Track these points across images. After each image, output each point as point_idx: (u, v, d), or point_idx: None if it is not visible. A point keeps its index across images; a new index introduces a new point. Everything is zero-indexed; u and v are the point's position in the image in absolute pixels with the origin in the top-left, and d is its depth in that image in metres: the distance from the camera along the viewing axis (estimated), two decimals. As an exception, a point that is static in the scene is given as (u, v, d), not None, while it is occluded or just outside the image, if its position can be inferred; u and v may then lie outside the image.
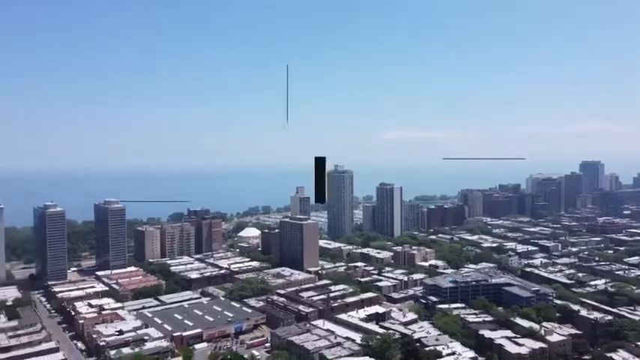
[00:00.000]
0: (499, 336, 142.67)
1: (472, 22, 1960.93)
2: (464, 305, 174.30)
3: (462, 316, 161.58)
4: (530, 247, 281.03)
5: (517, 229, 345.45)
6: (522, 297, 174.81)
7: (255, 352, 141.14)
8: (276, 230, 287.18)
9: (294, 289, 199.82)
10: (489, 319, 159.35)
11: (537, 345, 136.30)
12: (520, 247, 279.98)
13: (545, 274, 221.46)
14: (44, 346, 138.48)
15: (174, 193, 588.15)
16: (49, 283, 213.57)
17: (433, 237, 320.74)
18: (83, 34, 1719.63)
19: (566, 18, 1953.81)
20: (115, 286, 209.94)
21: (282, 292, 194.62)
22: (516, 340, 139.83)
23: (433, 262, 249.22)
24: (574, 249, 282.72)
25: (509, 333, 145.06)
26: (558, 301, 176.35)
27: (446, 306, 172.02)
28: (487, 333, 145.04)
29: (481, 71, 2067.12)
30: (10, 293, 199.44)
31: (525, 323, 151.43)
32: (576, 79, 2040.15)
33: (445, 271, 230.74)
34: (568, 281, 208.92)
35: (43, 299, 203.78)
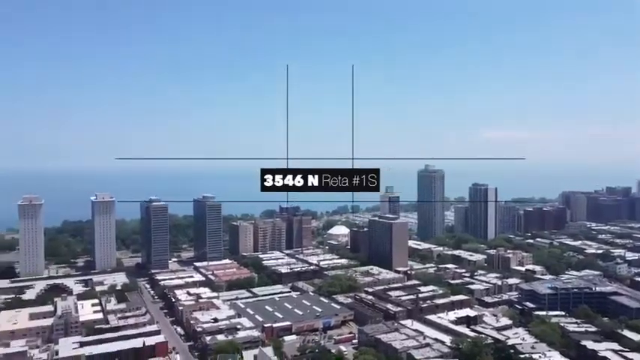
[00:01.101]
0: (604, 348, 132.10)
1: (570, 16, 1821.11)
2: (564, 313, 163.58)
3: (562, 324, 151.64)
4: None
5: (627, 236, 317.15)
6: (632, 308, 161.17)
7: (342, 347, 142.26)
8: (365, 229, 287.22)
9: (382, 287, 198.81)
10: (593, 329, 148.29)
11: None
12: (630, 255, 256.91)
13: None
14: (148, 328, 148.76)
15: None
16: (153, 271, 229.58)
17: (530, 241, 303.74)
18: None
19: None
20: (211, 276, 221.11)
21: (370, 290, 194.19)
22: (624, 353, 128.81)
23: (530, 266, 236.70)
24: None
25: (615, 346, 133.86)
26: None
27: (544, 313, 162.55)
28: (590, 344, 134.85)
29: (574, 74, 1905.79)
30: (120, 279, 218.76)
31: (635, 336, 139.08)
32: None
33: (543, 276, 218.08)
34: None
35: (148, 286, 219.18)
